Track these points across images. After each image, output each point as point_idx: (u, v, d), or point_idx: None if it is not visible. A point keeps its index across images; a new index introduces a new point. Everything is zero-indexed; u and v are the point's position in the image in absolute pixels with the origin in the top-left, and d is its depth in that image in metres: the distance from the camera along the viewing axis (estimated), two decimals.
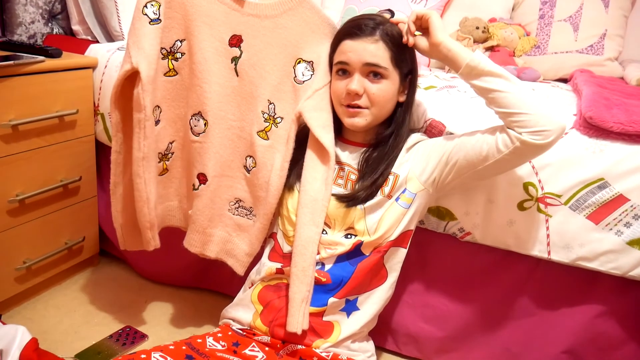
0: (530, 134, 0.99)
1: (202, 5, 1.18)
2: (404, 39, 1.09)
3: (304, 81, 1.20)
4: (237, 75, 1.22)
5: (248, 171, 1.26)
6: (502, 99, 1.01)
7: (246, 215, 1.29)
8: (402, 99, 1.16)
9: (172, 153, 1.29)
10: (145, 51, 1.14)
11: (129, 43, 1.15)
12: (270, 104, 1.22)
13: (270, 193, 1.19)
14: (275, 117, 1.22)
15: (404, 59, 1.12)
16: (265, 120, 1.22)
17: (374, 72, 1.09)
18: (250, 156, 1.25)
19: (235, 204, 1.29)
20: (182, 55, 1.21)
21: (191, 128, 1.24)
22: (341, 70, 1.13)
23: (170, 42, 1.20)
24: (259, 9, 1.18)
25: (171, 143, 1.27)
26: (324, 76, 1.18)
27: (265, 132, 1.22)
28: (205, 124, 1.22)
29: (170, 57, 1.21)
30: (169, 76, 1.23)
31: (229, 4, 1.18)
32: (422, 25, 1.09)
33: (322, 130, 1.14)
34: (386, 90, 1.11)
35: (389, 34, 1.09)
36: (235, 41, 1.20)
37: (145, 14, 1.14)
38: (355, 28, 1.10)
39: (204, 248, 1.30)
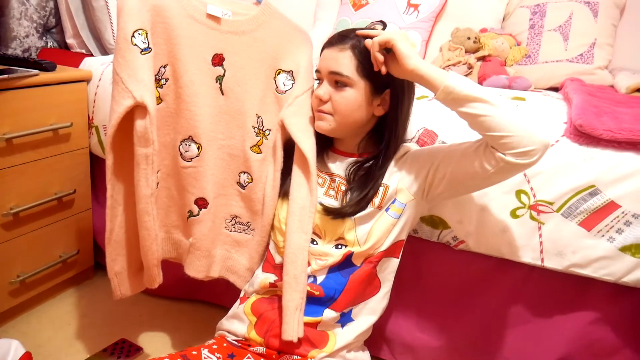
0: (514, 155, 0.97)
1: (183, 28, 1.14)
2: (375, 68, 1.06)
3: (285, 91, 1.21)
4: (223, 94, 1.21)
5: (243, 187, 1.26)
6: (483, 122, 0.98)
7: (244, 230, 1.28)
8: (379, 112, 1.13)
9: (158, 183, 1.22)
10: (146, 83, 1.09)
11: (122, 77, 1.08)
12: (259, 117, 1.22)
13: (266, 204, 1.20)
14: (264, 130, 1.22)
15: (376, 72, 1.07)
16: (257, 135, 1.23)
17: (337, 80, 1.10)
18: (245, 172, 1.25)
19: (231, 220, 1.29)
20: (166, 82, 1.17)
21: (181, 154, 1.21)
22: (318, 78, 1.15)
23: (156, 70, 1.15)
24: (235, 25, 1.18)
25: (156, 173, 1.21)
26: (303, 83, 1.19)
27: (258, 146, 1.23)
28: (198, 148, 1.20)
29: (156, 84, 1.16)
30: (156, 104, 1.17)
31: (207, 24, 1.16)
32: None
33: (302, 135, 1.15)
34: (349, 98, 1.10)
35: (360, 44, 1.07)
36: (218, 60, 1.19)
37: (135, 45, 1.08)
38: (333, 37, 1.12)
39: (208, 271, 1.29)
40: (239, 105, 1.22)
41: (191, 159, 1.21)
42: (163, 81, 1.17)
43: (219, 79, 1.20)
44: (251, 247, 1.26)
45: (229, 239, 1.29)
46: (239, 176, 1.26)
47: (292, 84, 1.21)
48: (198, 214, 1.24)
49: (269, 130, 1.22)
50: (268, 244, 1.24)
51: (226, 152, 1.25)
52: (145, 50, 1.11)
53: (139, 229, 1.18)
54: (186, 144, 1.21)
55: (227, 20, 1.18)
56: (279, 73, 1.21)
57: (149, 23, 1.11)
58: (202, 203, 1.23)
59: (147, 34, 1.10)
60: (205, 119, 1.20)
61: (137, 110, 1.10)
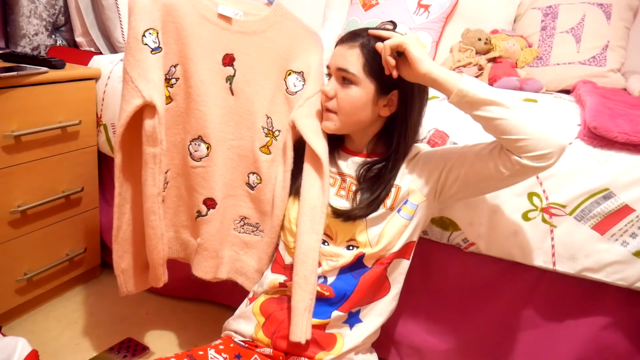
0: (530, 158, 0.96)
1: (194, 27, 1.13)
2: (385, 71, 1.05)
3: (296, 92, 1.20)
4: (233, 94, 1.20)
5: (252, 188, 1.25)
6: (498, 126, 0.96)
7: (252, 232, 1.28)
8: (384, 113, 1.11)
9: (167, 183, 1.24)
10: (155, 83, 1.09)
11: (132, 76, 1.08)
12: (268, 118, 1.22)
13: (276, 205, 1.20)
14: (273, 130, 1.22)
15: (383, 72, 1.06)
16: (266, 135, 1.22)
17: (344, 77, 1.09)
18: (254, 172, 1.24)
19: (240, 222, 1.28)
20: (176, 81, 1.17)
21: (190, 154, 1.21)
22: (328, 74, 1.14)
23: (166, 69, 1.15)
24: (247, 25, 1.17)
25: (166, 173, 1.22)
26: (314, 84, 1.19)
27: (267, 147, 1.22)
28: (207, 148, 1.20)
29: (166, 84, 1.16)
30: (166, 104, 1.17)
31: (218, 24, 1.16)
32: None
33: (314, 137, 1.14)
34: (353, 96, 1.09)
35: (370, 43, 1.07)
36: (228, 60, 1.18)
37: (146, 44, 1.08)
38: (345, 35, 1.12)
39: (216, 272, 1.28)
40: (248, 106, 1.21)
41: (200, 158, 1.21)
42: (173, 80, 1.17)
43: (229, 79, 1.19)
44: (260, 249, 1.25)
45: (238, 240, 1.29)
46: (248, 177, 1.25)
47: (303, 85, 1.20)
48: (206, 214, 1.23)
49: (279, 131, 1.22)
50: (277, 245, 1.23)
51: (235, 152, 1.24)
52: (156, 49, 1.10)
53: (145, 228, 1.18)
54: (195, 144, 1.20)
55: (238, 20, 1.17)
56: (290, 74, 1.21)
57: (159, 22, 1.11)
58: (210, 203, 1.23)
59: (157, 33, 1.10)
60: (215, 119, 1.19)
61: (146, 109, 1.10)
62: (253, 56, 1.19)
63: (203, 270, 1.28)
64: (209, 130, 1.19)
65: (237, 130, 1.23)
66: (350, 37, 1.10)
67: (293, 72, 1.21)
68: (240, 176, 1.26)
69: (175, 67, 1.16)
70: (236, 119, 1.22)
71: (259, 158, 1.23)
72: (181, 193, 1.26)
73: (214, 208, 1.23)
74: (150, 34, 1.09)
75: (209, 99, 1.17)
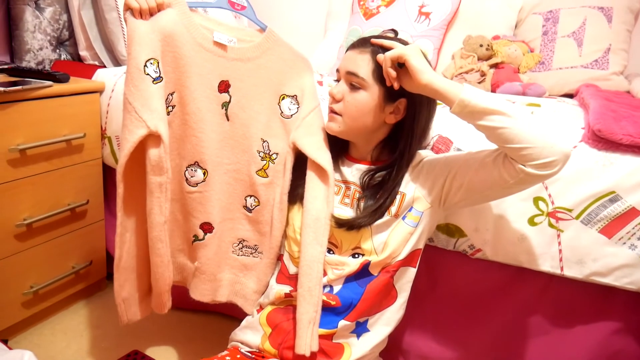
0: (534, 167, 0.95)
1: (191, 56, 1.14)
2: (387, 83, 1.05)
3: (291, 115, 1.21)
4: (228, 120, 1.21)
5: (250, 211, 1.25)
6: (501, 135, 0.95)
7: (251, 254, 1.28)
8: (390, 120, 1.11)
9: None
10: (159, 112, 1.09)
11: (135, 106, 1.07)
12: (264, 142, 1.22)
13: (274, 226, 1.20)
14: (270, 154, 1.22)
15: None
16: (262, 159, 1.23)
17: (352, 81, 1.09)
18: (251, 195, 1.25)
19: (238, 244, 1.28)
20: (172, 109, 1.17)
21: (186, 179, 1.21)
22: (337, 78, 1.15)
23: (165, 97, 1.15)
24: (241, 52, 1.18)
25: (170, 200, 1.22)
26: (309, 104, 1.20)
27: (264, 170, 1.23)
28: (204, 173, 1.20)
29: None
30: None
31: (214, 51, 1.16)
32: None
33: (318, 152, 1.15)
34: (360, 101, 1.09)
35: (380, 50, 1.07)
36: (224, 87, 1.19)
37: (148, 74, 1.08)
38: (357, 41, 1.12)
39: (215, 295, 1.29)
40: (244, 130, 1.22)
41: (197, 184, 1.21)
42: (170, 108, 1.17)
43: (225, 105, 1.20)
44: (259, 270, 1.26)
45: (237, 263, 1.29)
46: (245, 200, 1.25)
47: (297, 108, 1.21)
48: (203, 239, 1.24)
49: (276, 154, 1.22)
50: (280, 254, 1.23)
51: (232, 176, 1.24)
52: (157, 79, 1.10)
53: (152, 256, 1.17)
54: (192, 170, 1.20)
55: (232, 47, 1.18)
56: (283, 98, 1.22)
57: (160, 52, 1.11)
58: (207, 227, 1.23)
59: (158, 63, 1.10)
60: (212, 145, 1.20)
61: (149, 139, 1.09)
62: (247, 82, 1.20)
63: (200, 293, 1.28)
64: (205, 156, 1.19)
65: (233, 155, 1.23)
66: (361, 43, 1.10)
67: (287, 96, 1.22)
68: (238, 200, 1.26)
69: (172, 95, 1.16)
70: (232, 143, 1.22)
71: (256, 181, 1.23)
72: (176, 217, 1.25)
73: (211, 232, 1.23)
74: (151, 63, 1.09)
75: (205, 126, 1.18)
